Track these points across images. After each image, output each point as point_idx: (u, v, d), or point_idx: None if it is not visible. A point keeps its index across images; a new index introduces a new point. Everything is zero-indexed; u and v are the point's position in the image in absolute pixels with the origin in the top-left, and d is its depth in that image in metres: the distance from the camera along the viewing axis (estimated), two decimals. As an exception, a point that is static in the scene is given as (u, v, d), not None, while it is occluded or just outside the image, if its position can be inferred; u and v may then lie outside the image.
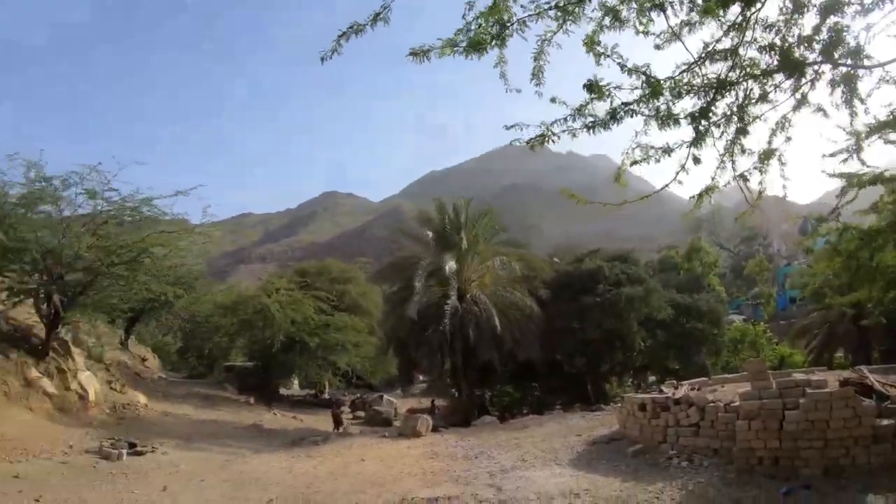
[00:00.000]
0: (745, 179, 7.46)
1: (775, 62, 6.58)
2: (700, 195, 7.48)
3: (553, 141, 6.70)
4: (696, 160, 7.10)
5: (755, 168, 7.44)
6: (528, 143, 6.70)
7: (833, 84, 6.79)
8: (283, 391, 38.77)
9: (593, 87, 6.44)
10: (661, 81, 6.51)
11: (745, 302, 71.02)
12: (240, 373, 36.66)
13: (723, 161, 7.34)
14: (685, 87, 6.71)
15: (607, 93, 6.45)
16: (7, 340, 18.46)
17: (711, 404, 12.75)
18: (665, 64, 6.78)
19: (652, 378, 35.17)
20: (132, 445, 15.15)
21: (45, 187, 19.01)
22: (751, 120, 7.11)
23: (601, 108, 6.63)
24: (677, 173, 7.24)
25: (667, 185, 7.58)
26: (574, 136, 6.82)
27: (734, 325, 41.28)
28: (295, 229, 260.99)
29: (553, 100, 6.45)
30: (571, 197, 7.79)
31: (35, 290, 18.75)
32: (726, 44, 6.64)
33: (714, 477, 11.17)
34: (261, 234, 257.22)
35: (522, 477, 12.73)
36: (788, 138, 7.38)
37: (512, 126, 6.50)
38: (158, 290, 22.63)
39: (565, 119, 6.56)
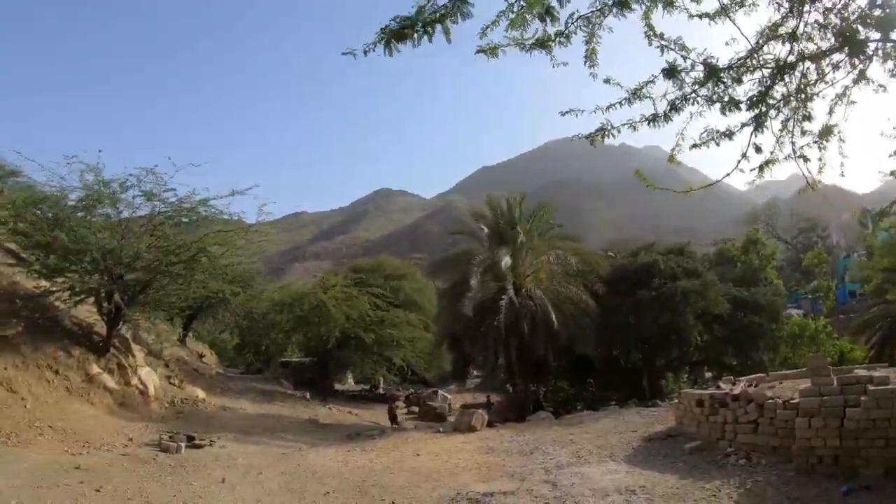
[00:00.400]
0: (806, 160, 7.20)
1: (833, 41, 6.36)
2: (761, 167, 7.23)
3: (613, 135, 6.59)
4: (758, 149, 6.91)
5: (814, 142, 7.17)
6: (587, 137, 6.60)
7: (886, 56, 6.52)
8: (338, 386, 39.10)
9: (673, 72, 6.30)
10: (722, 69, 6.36)
11: (804, 296, 69.37)
12: (296, 368, 37.07)
13: (780, 138, 7.11)
14: (744, 69, 6.53)
15: (682, 80, 6.32)
16: (69, 338, 18.91)
17: (770, 401, 12.43)
18: (717, 37, 6.63)
19: (708, 374, 34.53)
20: (191, 438, 15.38)
21: (104, 190, 19.49)
22: (810, 96, 6.87)
23: (658, 90, 6.51)
24: (738, 161, 7.05)
25: (728, 174, 7.39)
26: (634, 129, 6.70)
27: (793, 320, 40.24)
28: (348, 227, 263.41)
29: (607, 80, 6.33)
30: (643, 180, 7.63)
31: (96, 289, 19.14)
32: (777, 20, 6.44)
33: (772, 476, 10.92)
34: (315, 232, 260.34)
35: (578, 473, 12.61)
36: (853, 102, 7.05)
37: (567, 112, 6.41)
38: (216, 287, 23.06)
39: (621, 103, 6.44)
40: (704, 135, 6.98)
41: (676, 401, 18.15)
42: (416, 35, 4.88)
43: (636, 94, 6.47)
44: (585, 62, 6.01)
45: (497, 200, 31.12)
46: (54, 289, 19.13)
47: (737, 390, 13.91)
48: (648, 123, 6.58)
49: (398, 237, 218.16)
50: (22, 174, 29.59)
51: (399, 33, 4.90)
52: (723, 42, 6.67)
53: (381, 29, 4.83)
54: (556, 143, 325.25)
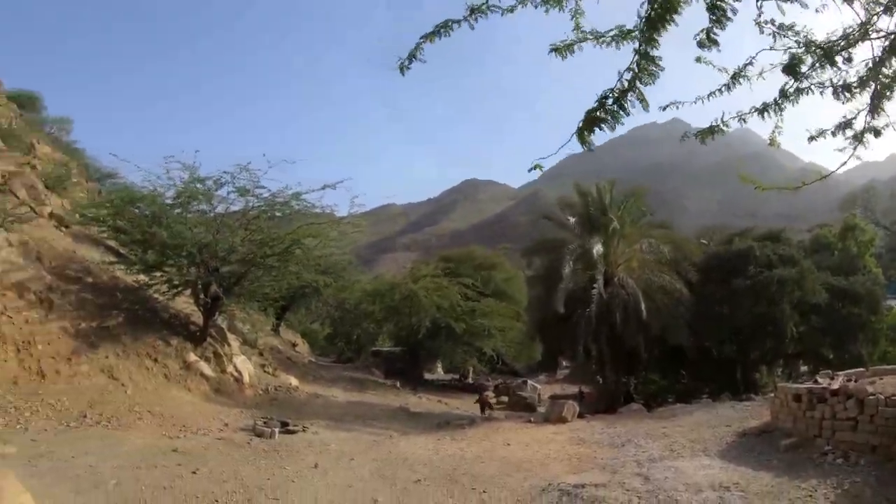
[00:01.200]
0: None
1: None
2: (858, 135, 6.77)
3: (722, 132, 6.30)
4: (877, 132, 6.51)
5: None
6: (696, 136, 6.34)
7: None
8: (427, 376, 39.35)
9: (794, 69, 5.97)
10: (836, 50, 5.99)
11: (902, 284, 65.55)
12: (387, 357, 37.53)
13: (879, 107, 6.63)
14: (852, 44, 6.15)
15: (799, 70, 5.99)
16: (167, 328, 19.61)
17: (871, 397, 11.76)
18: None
19: (804, 367, 33.12)
20: (284, 424, 15.64)
21: (198, 187, 20.27)
22: None
23: (754, 70, 6.19)
24: (854, 148, 6.65)
25: (844, 164, 6.94)
26: (744, 122, 6.41)
27: (893, 311, 38.10)
28: (436, 218, 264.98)
29: (698, 59, 6.00)
30: (750, 183, 7.26)
31: (193, 281, 19.83)
32: None
33: (871, 476, 10.33)
34: (404, 223, 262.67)
35: (671, 467, 12.30)
36: None
37: (667, 106, 6.15)
38: (309, 278, 23.49)
39: (721, 90, 6.15)
40: (834, 128, 6.61)
41: (772, 395, 17.54)
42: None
43: (735, 78, 6.17)
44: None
45: (587, 187, 30.54)
46: (153, 282, 19.89)
47: (836, 385, 13.28)
48: (759, 115, 6.26)
49: (486, 227, 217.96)
50: (118, 175, 31.09)
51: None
52: (812, 9, 6.27)
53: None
54: (643, 128, 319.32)
